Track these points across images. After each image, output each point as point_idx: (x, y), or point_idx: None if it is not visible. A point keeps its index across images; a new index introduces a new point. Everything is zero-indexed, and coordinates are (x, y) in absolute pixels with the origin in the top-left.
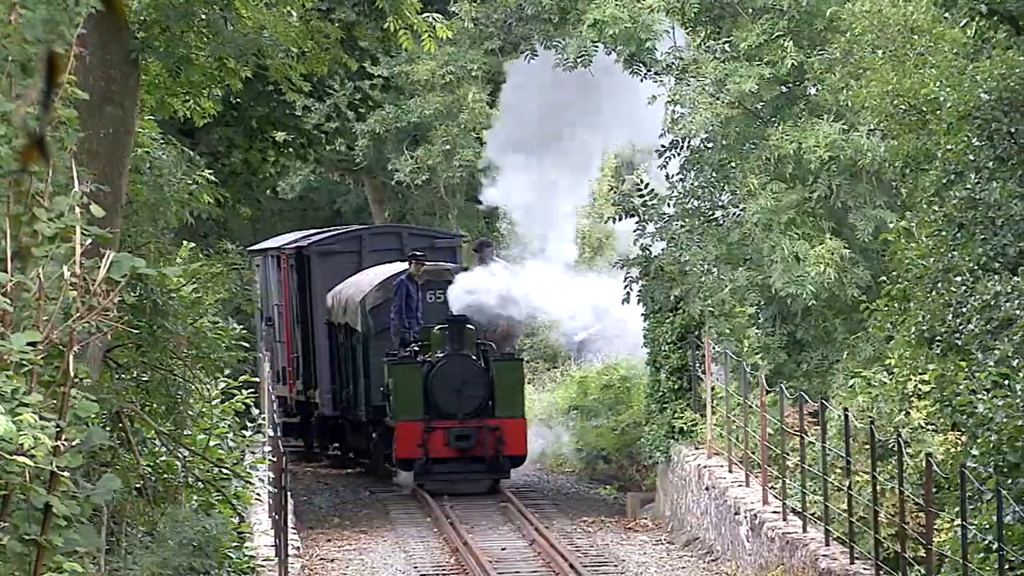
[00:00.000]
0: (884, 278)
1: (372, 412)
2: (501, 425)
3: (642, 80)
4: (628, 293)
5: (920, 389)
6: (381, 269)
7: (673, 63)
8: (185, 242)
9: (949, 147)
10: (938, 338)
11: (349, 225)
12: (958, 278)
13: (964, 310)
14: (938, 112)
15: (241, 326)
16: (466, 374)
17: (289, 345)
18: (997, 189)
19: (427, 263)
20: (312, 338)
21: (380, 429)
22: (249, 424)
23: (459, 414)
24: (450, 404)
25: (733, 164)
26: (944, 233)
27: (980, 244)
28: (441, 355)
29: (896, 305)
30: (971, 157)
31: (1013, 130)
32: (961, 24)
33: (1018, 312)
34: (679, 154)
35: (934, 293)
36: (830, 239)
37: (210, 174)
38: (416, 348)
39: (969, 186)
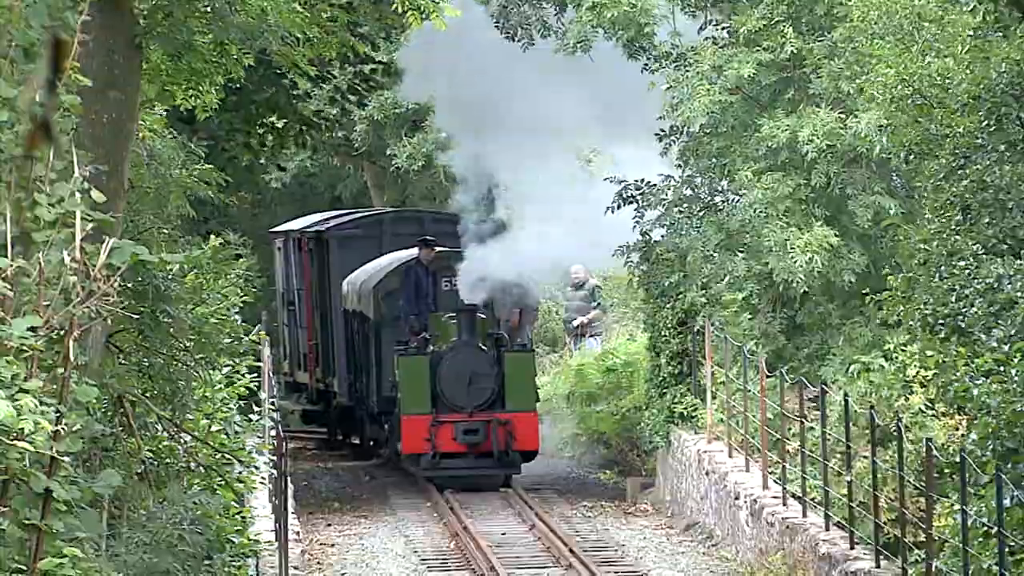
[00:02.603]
0: (887, 269)
1: (383, 403)
2: (512, 419)
3: (643, 71)
4: (631, 278)
5: (923, 375)
6: (396, 255)
7: (671, 50)
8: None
9: (959, 130)
10: (940, 322)
11: (366, 208)
12: (962, 262)
13: (967, 292)
14: (944, 97)
15: (245, 318)
16: (476, 366)
17: (310, 331)
18: (1009, 172)
19: (439, 248)
20: (331, 325)
21: (392, 420)
22: (256, 408)
23: (468, 407)
24: (459, 397)
25: (733, 149)
26: (949, 215)
27: (989, 226)
28: (450, 346)
29: (900, 295)
30: (979, 140)
31: (1023, 115)
32: (969, 8)
33: (1020, 294)
34: (677, 140)
35: (938, 278)
36: (819, 227)
37: (208, 166)
38: (426, 338)
39: (980, 167)
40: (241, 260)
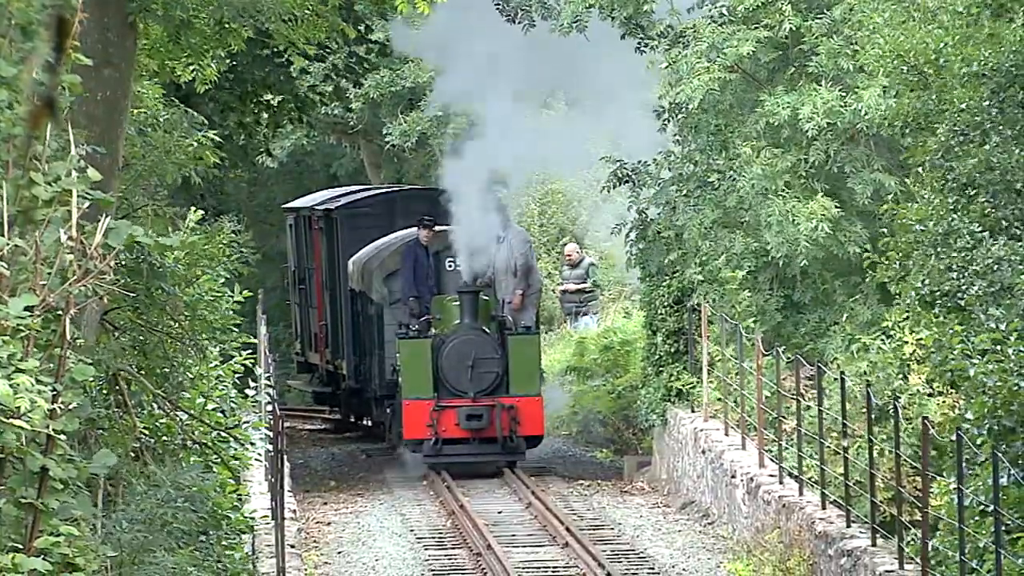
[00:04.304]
0: (884, 239)
1: (386, 387)
2: (516, 404)
3: (637, 49)
4: (628, 256)
5: (918, 353)
6: (400, 234)
7: (669, 28)
8: (194, 208)
9: (960, 106)
10: (937, 301)
11: (379, 185)
12: (959, 242)
13: (966, 273)
14: (942, 73)
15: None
16: (479, 350)
17: (320, 311)
18: (1016, 155)
19: (439, 227)
20: (339, 305)
21: (395, 405)
22: (252, 384)
23: (471, 392)
24: (461, 381)
25: (730, 129)
26: (947, 194)
27: (993, 207)
28: (452, 329)
29: (897, 264)
30: (978, 119)
31: None
32: None
33: (1020, 278)
34: (675, 119)
35: (934, 258)
36: (822, 198)
37: (208, 134)
38: (428, 321)
39: (987, 147)
40: (237, 236)
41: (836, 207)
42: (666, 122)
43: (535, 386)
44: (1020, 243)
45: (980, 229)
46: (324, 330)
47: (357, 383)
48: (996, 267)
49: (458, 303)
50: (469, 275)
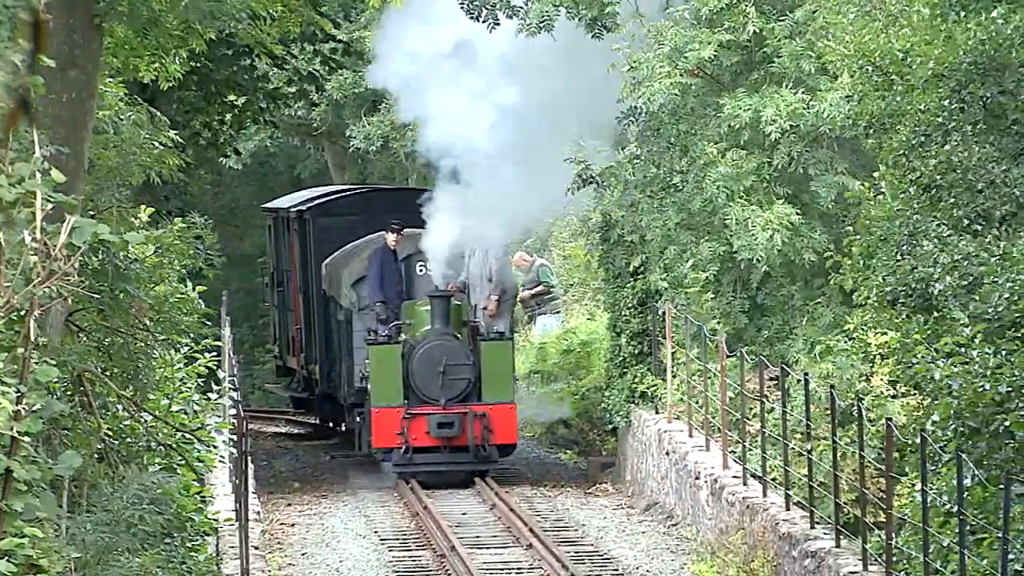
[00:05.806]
0: (848, 240)
1: (356, 394)
2: (488, 411)
3: (596, 34)
4: (590, 258)
5: (883, 351)
6: (374, 237)
7: (633, 31)
8: (144, 207)
9: (921, 107)
10: (902, 301)
11: (356, 184)
12: (926, 243)
13: (934, 269)
14: (906, 74)
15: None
16: (450, 355)
17: (296, 314)
18: (977, 153)
19: (408, 229)
20: (312, 309)
21: (364, 412)
22: (215, 387)
23: (442, 399)
24: (432, 388)
25: (693, 132)
26: (913, 192)
27: (955, 207)
28: (423, 335)
29: (861, 263)
30: (940, 120)
31: (987, 95)
32: None
33: (992, 274)
34: (637, 122)
35: (899, 256)
36: (781, 205)
37: (176, 134)
38: (398, 326)
39: (948, 147)
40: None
41: (797, 213)
42: (626, 127)
43: (508, 393)
44: (987, 240)
45: (948, 233)
46: (299, 334)
47: (329, 389)
48: (965, 261)
49: (428, 308)
50: (441, 279)
